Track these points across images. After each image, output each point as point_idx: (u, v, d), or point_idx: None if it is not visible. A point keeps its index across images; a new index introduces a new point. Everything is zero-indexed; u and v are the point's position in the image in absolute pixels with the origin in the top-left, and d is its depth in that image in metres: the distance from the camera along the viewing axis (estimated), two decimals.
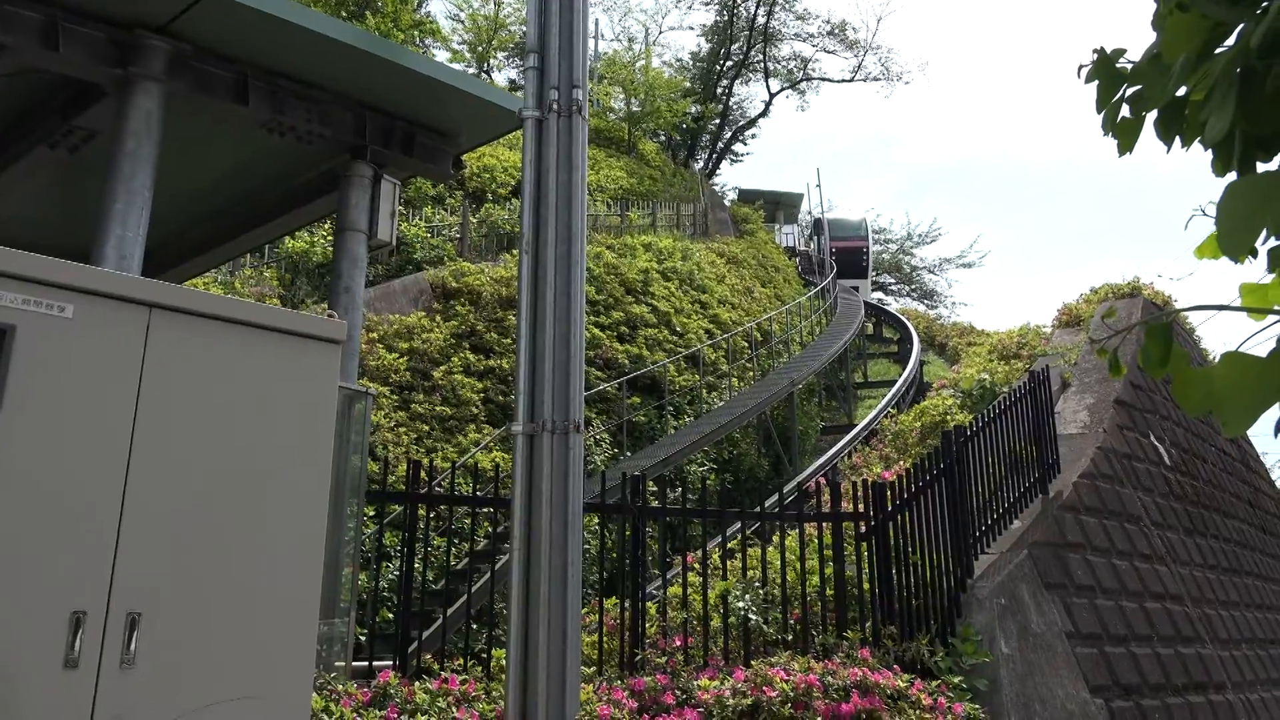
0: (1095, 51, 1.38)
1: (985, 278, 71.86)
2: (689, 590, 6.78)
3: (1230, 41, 1.15)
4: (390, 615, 9.71)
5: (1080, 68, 1.42)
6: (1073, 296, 18.39)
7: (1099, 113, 1.39)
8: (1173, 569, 10.26)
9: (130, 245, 4.94)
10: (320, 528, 3.74)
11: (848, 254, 39.53)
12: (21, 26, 4.68)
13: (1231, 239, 0.99)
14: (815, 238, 42.33)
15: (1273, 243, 1.23)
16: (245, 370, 3.63)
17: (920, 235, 49.80)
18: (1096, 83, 1.37)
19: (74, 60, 4.90)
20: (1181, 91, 1.25)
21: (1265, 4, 1.06)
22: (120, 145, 5.01)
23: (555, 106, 5.13)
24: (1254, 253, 1.28)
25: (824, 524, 7.29)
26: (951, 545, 7.65)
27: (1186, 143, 1.29)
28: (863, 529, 7.38)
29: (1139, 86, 1.33)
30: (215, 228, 7.46)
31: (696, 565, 7.17)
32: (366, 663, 5.85)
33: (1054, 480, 9.62)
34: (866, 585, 7.29)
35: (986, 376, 12.71)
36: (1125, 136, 1.36)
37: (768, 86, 41.23)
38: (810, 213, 50.08)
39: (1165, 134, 1.35)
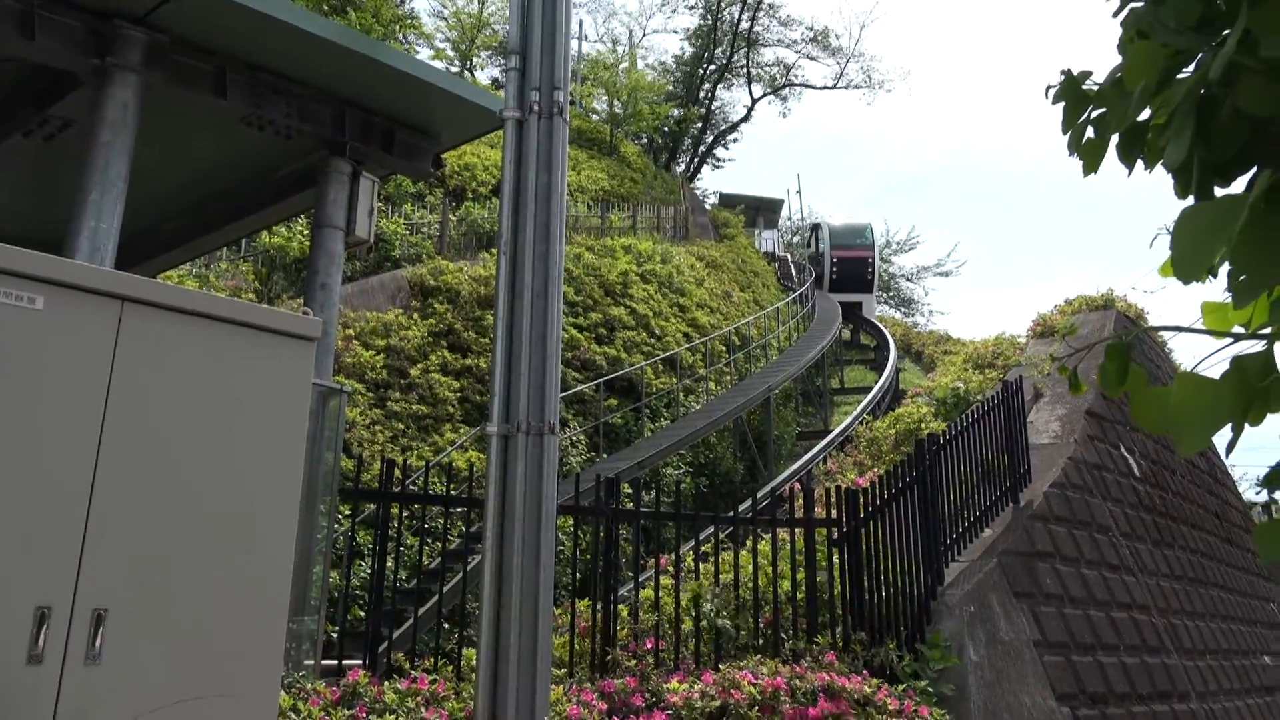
0: (1062, 73, 1.41)
1: (961, 286, 72.48)
2: (661, 593, 6.80)
3: (1190, 69, 1.18)
4: (361, 613, 9.66)
5: (1048, 89, 1.45)
6: (1047, 307, 18.56)
7: (1064, 134, 1.42)
8: (1140, 579, 10.38)
9: (104, 237, 4.89)
10: (291, 525, 3.72)
11: (851, 264, 35.67)
12: None
13: (1185, 264, 1.01)
14: (813, 244, 38.80)
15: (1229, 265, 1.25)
16: (218, 366, 3.61)
17: (899, 243, 50.17)
18: (1063, 104, 1.40)
19: (50, 49, 4.85)
20: (1144, 115, 1.28)
21: (1224, 32, 1.08)
22: (95, 135, 4.96)
23: (536, 108, 5.12)
24: (1214, 273, 1.31)
25: (797, 529, 7.32)
26: (922, 553, 7.70)
27: (1149, 165, 1.32)
28: (835, 535, 7.43)
29: (1103, 109, 1.36)
30: (191, 221, 7.40)
31: (670, 568, 7.18)
32: (336, 661, 5.82)
33: (1025, 489, 9.71)
34: (838, 591, 7.33)
35: (961, 385, 12.82)
36: (1090, 157, 1.39)
37: (750, 91, 41.46)
38: (806, 217, 49.69)
39: (1126, 157, 1.38)
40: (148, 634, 3.26)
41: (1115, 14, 1.32)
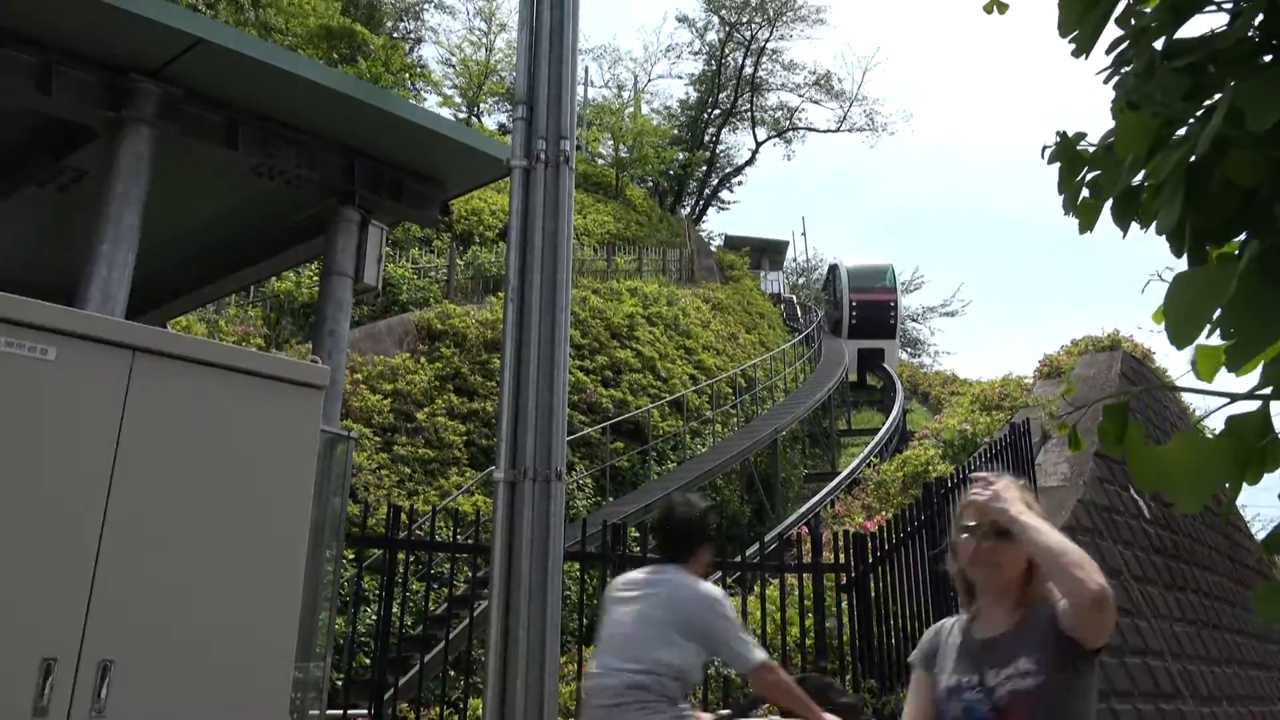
0: (1057, 135, 1.44)
1: (965, 325, 72.46)
2: None
3: (1181, 132, 1.21)
4: (367, 661, 9.58)
5: (1044, 148, 1.48)
6: (1053, 346, 18.57)
7: (1060, 194, 1.45)
8: (1153, 624, 10.26)
9: (115, 286, 4.94)
10: (298, 574, 3.71)
11: (871, 309, 33.36)
12: (15, 69, 4.72)
13: (1178, 331, 1.04)
14: (831, 288, 37.06)
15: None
16: (227, 415, 3.63)
17: (904, 283, 50.19)
18: (1059, 164, 1.43)
19: (67, 102, 4.94)
20: (1138, 178, 1.30)
21: (1215, 97, 1.12)
22: (109, 187, 5.03)
23: (543, 157, 5.18)
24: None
25: (805, 575, 7.28)
26: (932, 598, 7.64)
27: (1144, 227, 1.34)
28: (844, 580, 7.37)
29: (1098, 171, 1.39)
30: (202, 268, 7.46)
31: None
32: (342, 710, 5.77)
33: None
34: (847, 637, 7.26)
35: (968, 427, 12.79)
36: (1086, 217, 1.42)
37: (755, 135, 41.82)
38: (811, 259, 49.41)
39: (1121, 220, 1.41)
40: (154, 684, 3.25)
41: (1106, 80, 1.35)
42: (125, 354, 3.42)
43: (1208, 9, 1.23)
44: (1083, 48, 1.34)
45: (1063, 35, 1.36)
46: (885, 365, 32.24)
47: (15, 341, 3.17)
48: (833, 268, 37.76)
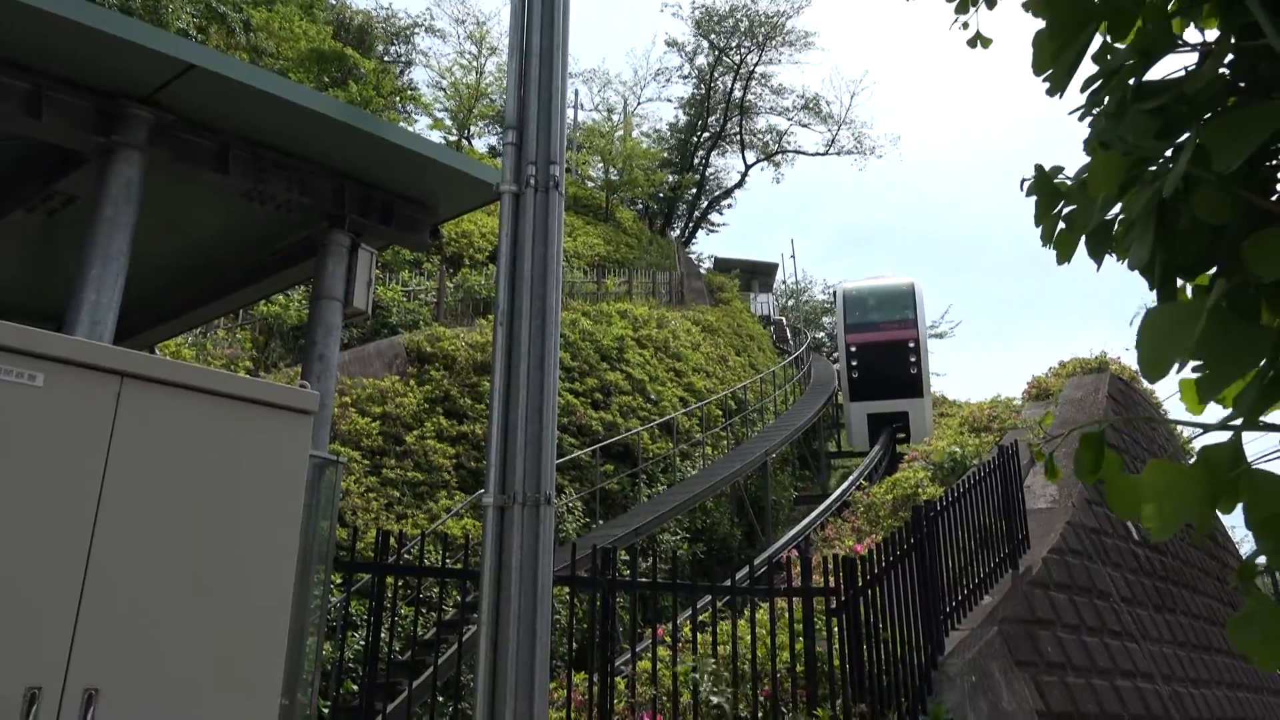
0: (1035, 169, 1.47)
1: (953, 345, 72.59)
2: (659, 665, 6.72)
3: (1154, 168, 1.24)
4: (355, 687, 9.51)
5: (1022, 181, 1.51)
6: (1041, 368, 18.65)
7: (1037, 225, 1.48)
8: (1143, 646, 10.27)
9: (104, 311, 4.93)
10: (286, 601, 3.70)
11: (881, 353, 23.62)
12: (6, 95, 4.73)
13: (1149, 365, 1.06)
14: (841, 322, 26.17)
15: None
16: (215, 440, 3.62)
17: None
18: (1035, 198, 1.46)
19: (57, 128, 4.94)
20: (1114, 211, 1.33)
21: (1184, 136, 1.15)
22: (99, 212, 5.03)
23: (532, 181, 5.22)
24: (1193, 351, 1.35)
25: (795, 598, 7.26)
26: (922, 621, 7.63)
27: (1120, 258, 1.37)
28: (833, 604, 7.36)
29: (1073, 206, 1.42)
30: (191, 292, 7.46)
31: (667, 639, 7.11)
32: None
33: (1024, 555, 9.66)
34: (837, 661, 7.24)
35: (958, 449, 12.83)
36: (1063, 248, 1.45)
37: (744, 158, 42.08)
38: (800, 280, 47.09)
39: (1095, 253, 1.44)
40: (140, 713, 3.22)
41: (1081, 119, 1.39)
42: (114, 380, 3.42)
43: (1179, 50, 1.26)
44: (1056, 87, 1.37)
45: (1037, 74, 1.40)
46: (914, 436, 22.73)
47: (3, 367, 3.17)
48: (845, 296, 26.43)
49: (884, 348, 24.05)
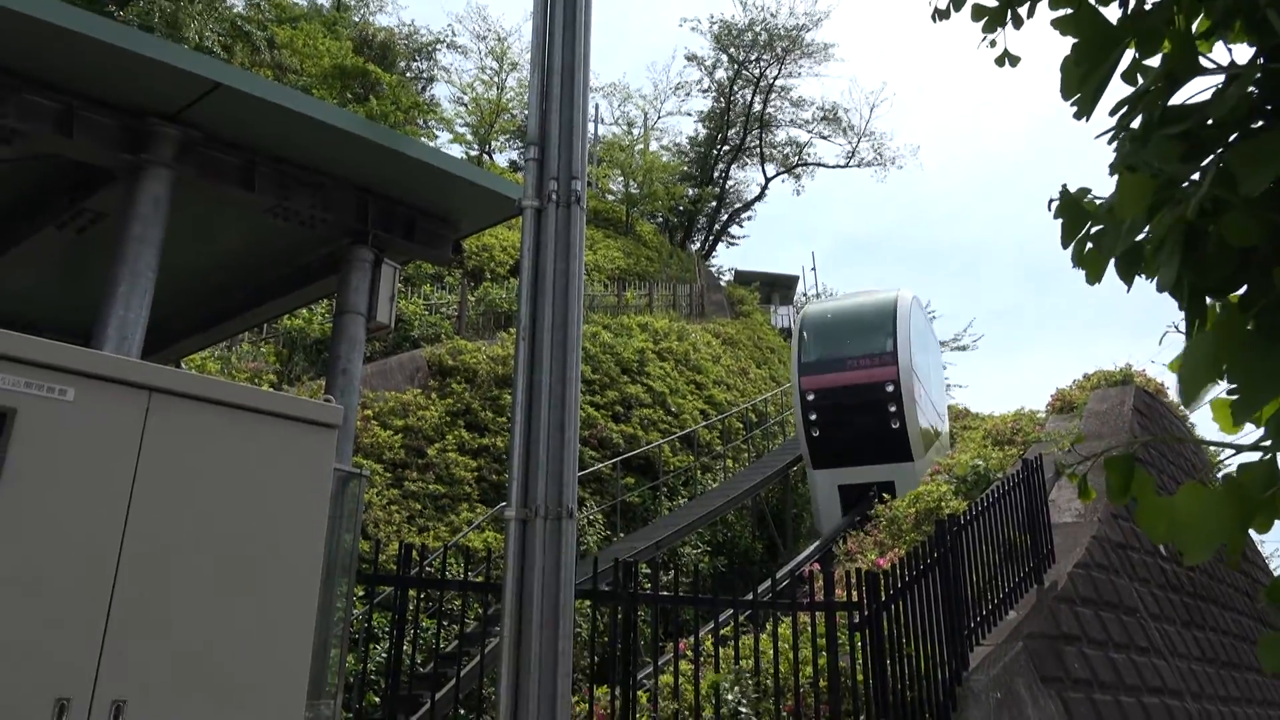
0: (1060, 192, 1.47)
1: (972, 357, 71.97)
2: (680, 679, 6.69)
3: (1184, 185, 1.24)
4: (377, 699, 9.52)
5: (1050, 201, 1.51)
6: (1052, 379, 18.40)
7: (1064, 248, 1.48)
8: (1171, 663, 10.13)
9: (132, 326, 5.00)
10: (310, 613, 3.72)
11: (855, 400, 16.90)
12: (38, 114, 4.82)
13: (1187, 391, 1.06)
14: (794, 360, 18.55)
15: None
16: (241, 453, 3.66)
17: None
18: (1061, 220, 1.46)
19: (87, 146, 5.03)
20: (1143, 234, 1.33)
21: (1205, 163, 1.15)
22: (127, 229, 5.10)
23: (554, 197, 5.25)
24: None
25: (817, 613, 7.22)
26: (946, 637, 7.57)
27: (1149, 277, 1.37)
28: (856, 619, 7.31)
29: (1101, 226, 1.42)
30: (216, 306, 7.54)
31: (688, 653, 7.08)
32: None
33: (1049, 570, 9.57)
34: (860, 677, 7.19)
35: (981, 462, 12.73)
36: (1093, 268, 1.44)
37: (764, 171, 42.08)
38: (821, 293, 45.96)
39: (1125, 275, 1.43)
40: None
41: (1110, 142, 1.38)
42: (142, 394, 3.46)
43: (1205, 74, 1.26)
44: (1084, 111, 1.37)
45: (1065, 99, 1.39)
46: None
47: (35, 383, 3.22)
48: (808, 316, 19.28)
49: (853, 394, 16.96)
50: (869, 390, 16.92)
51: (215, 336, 8.42)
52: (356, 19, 32.70)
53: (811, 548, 15.82)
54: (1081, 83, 1.33)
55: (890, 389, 16.78)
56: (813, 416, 17.26)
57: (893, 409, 16.74)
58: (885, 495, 15.00)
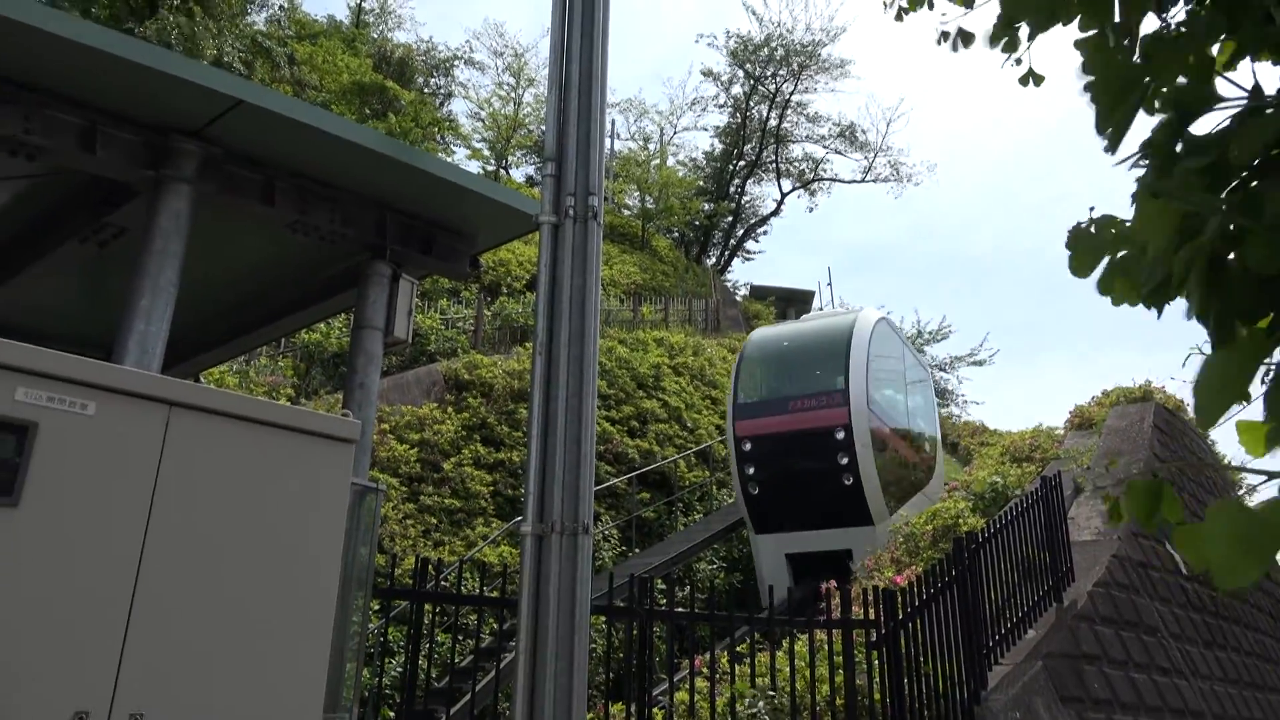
0: (1070, 233, 1.46)
1: (990, 370, 71.35)
2: (696, 697, 6.65)
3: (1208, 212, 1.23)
4: (392, 714, 9.51)
5: (1068, 236, 1.50)
6: (1064, 394, 18.31)
7: (1073, 275, 1.46)
8: (1192, 683, 10.00)
9: (153, 340, 5.03)
10: (327, 627, 3.72)
11: (799, 450, 13.90)
12: (61, 130, 4.87)
13: (1204, 414, 1.05)
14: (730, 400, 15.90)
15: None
16: (260, 468, 3.67)
17: (930, 332, 49.73)
18: (1071, 252, 1.45)
19: (109, 162, 5.08)
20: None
21: (1228, 190, 1.14)
22: (149, 244, 5.14)
23: (571, 212, 5.26)
24: (1248, 398, 1.32)
25: (834, 630, 7.17)
26: (964, 655, 7.50)
27: (1179, 299, 1.35)
28: (874, 637, 7.26)
29: (1125, 251, 1.41)
30: (235, 320, 7.59)
31: (705, 670, 7.04)
32: None
33: (1068, 588, 9.47)
34: (877, 696, 7.13)
35: (999, 479, 12.63)
36: (1121, 294, 1.43)
37: (780, 186, 42.10)
38: (837, 309, 45.73)
39: (1155, 302, 1.42)
40: None
41: (1129, 169, 1.38)
42: (162, 409, 3.48)
43: (1220, 107, 1.26)
44: (1113, 145, 1.36)
45: (1100, 132, 1.38)
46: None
47: (57, 397, 3.24)
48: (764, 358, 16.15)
49: (797, 442, 13.88)
50: (815, 438, 13.72)
51: (235, 350, 8.47)
52: (375, 36, 32.99)
53: None
54: (1111, 112, 1.32)
55: (840, 435, 13.57)
56: (750, 470, 14.06)
57: (844, 460, 13.50)
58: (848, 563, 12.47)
